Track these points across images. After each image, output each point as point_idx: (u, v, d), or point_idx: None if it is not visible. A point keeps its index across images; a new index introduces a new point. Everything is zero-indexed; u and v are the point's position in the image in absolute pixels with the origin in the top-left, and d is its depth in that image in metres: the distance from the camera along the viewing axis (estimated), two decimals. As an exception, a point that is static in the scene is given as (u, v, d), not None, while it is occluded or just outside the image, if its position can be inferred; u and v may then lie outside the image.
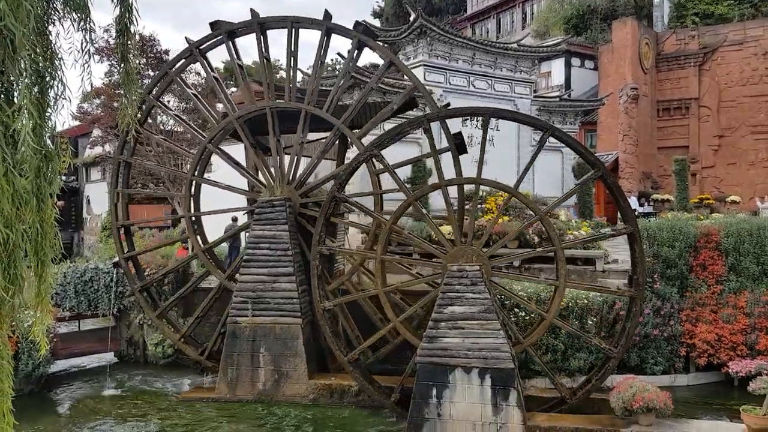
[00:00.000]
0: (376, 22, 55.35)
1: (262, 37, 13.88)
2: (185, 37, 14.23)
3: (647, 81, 33.35)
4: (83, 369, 16.36)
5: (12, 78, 4.11)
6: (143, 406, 13.28)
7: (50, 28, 4.45)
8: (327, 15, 13.64)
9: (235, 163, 14.61)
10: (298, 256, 13.74)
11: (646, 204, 27.87)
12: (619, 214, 12.24)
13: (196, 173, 14.63)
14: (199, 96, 15.12)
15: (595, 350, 13.10)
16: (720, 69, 33.19)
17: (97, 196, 36.34)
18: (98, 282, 16.57)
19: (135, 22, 4.97)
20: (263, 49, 13.95)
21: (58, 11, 4.49)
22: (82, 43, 4.55)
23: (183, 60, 14.44)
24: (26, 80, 4.20)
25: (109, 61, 23.75)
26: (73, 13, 4.47)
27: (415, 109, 17.70)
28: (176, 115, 15.89)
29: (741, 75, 32.80)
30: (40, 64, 4.34)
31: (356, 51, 13.67)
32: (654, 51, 33.84)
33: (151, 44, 24.82)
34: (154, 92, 14.80)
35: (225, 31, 13.90)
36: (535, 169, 24.09)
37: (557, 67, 36.35)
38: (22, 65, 4.15)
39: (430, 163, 20.05)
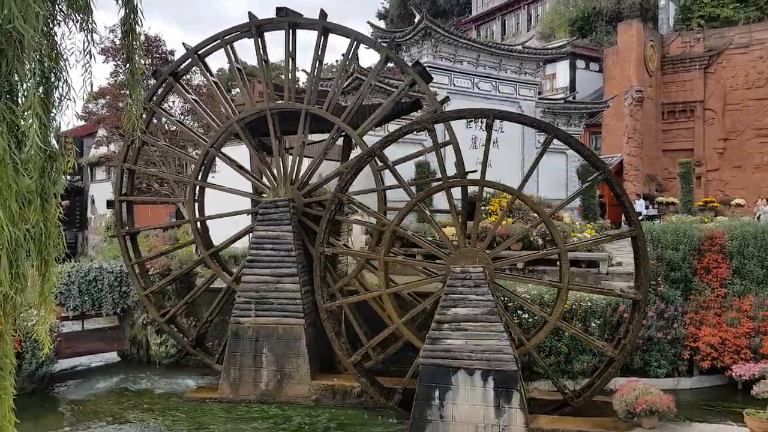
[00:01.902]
0: (381, 24, 55.41)
1: (322, 38, 13.96)
2: (248, 12, 14.23)
3: (652, 83, 33.26)
4: (86, 368, 16.42)
5: (17, 78, 4.13)
6: (145, 405, 13.32)
7: (55, 29, 4.46)
8: (391, 44, 15.15)
9: (254, 148, 14.68)
10: (302, 257, 13.77)
11: (650, 207, 27.80)
12: (623, 216, 12.13)
13: (215, 146, 14.60)
14: (242, 71, 14.98)
15: (598, 352, 13.06)
16: (725, 72, 33.09)
17: (102, 196, 36.49)
18: (102, 282, 16.63)
19: (140, 23, 4.98)
20: (320, 50, 14.06)
21: (63, 12, 4.50)
22: (84, 44, 4.56)
23: (238, 33, 14.30)
24: (32, 81, 4.21)
25: (114, 61, 23.82)
26: (77, 14, 4.47)
27: (419, 111, 17.70)
28: (215, 81, 15.61)
29: (746, 78, 32.70)
30: (46, 65, 4.36)
31: (408, 87, 13.97)
32: (659, 53, 33.76)
33: (157, 45, 24.92)
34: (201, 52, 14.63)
35: (289, 22, 13.97)
36: (539, 170, 24.00)
37: (562, 69, 36.33)
38: (29, 66, 4.16)
39: (434, 163, 20.02)
